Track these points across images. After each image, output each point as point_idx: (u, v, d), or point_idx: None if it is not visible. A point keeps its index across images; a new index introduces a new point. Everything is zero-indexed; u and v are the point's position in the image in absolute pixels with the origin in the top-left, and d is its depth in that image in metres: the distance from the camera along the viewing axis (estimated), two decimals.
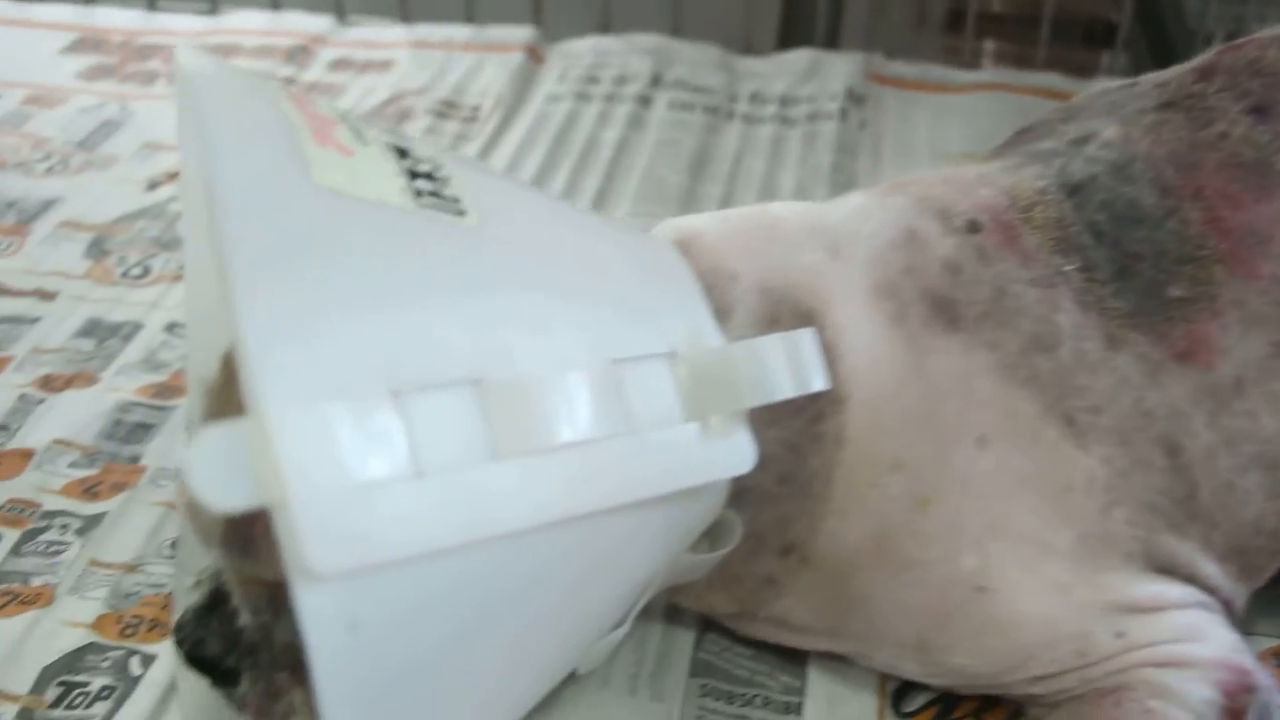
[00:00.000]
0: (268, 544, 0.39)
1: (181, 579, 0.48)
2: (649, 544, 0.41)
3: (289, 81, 0.89)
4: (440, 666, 0.35)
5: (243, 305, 0.31)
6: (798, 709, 0.48)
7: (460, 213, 0.39)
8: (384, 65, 0.92)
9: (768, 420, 0.43)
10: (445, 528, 0.33)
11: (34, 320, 0.68)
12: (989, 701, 0.48)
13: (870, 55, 0.91)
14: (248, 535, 0.40)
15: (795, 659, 0.49)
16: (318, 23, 0.98)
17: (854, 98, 0.87)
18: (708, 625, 0.51)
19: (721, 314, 0.44)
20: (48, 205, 0.77)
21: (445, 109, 0.87)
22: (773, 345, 0.40)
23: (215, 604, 0.44)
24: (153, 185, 0.79)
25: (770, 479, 0.44)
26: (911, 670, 0.47)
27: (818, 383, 0.40)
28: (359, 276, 0.35)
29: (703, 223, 0.47)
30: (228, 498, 0.30)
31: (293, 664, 0.43)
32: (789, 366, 0.40)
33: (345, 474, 0.31)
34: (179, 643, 0.44)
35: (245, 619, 0.43)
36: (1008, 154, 0.52)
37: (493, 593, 0.36)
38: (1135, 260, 0.46)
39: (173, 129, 0.84)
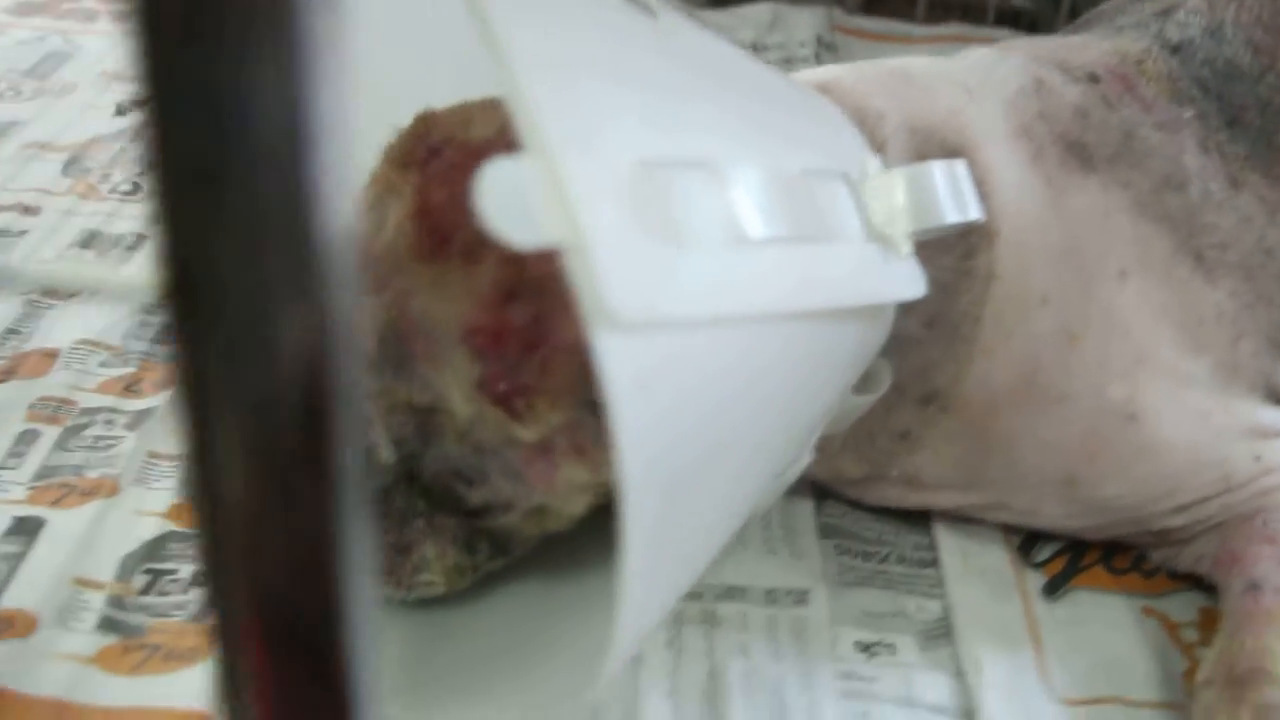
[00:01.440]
0: (429, 361, 0.36)
1: None
2: (842, 360, 0.39)
3: None
4: (707, 444, 0.32)
5: (516, 55, 0.28)
6: (933, 563, 0.47)
7: (653, 14, 0.37)
8: None
9: (920, 259, 0.42)
10: (728, 298, 0.32)
11: (21, 233, 0.62)
12: (1114, 549, 0.48)
13: (831, 9, 0.92)
14: (404, 354, 0.37)
15: (919, 521, 0.48)
16: None
17: (824, 44, 0.87)
18: (823, 495, 0.49)
19: (873, 149, 0.43)
20: (7, 127, 0.71)
21: None
22: (937, 171, 0.39)
23: None
24: (122, 110, 0.73)
25: (917, 323, 0.44)
26: (1052, 513, 0.46)
27: (975, 211, 0.40)
28: (607, 47, 0.33)
29: (836, 71, 0.47)
30: (523, 232, 0.27)
31: (433, 507, 0.40)
32: (951, 194, 0.40)
33: (640, 228, 0.29)
34: None
35: (382, 459, 0.39)
36: (1088, 32, 0.53)
37: (752, 376, 0.34)
38: (1243, 111, 0.47)
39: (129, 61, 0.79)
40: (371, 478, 0.40)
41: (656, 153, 0.32)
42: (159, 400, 0.51)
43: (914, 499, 0.48)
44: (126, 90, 0.76)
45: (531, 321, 0.35)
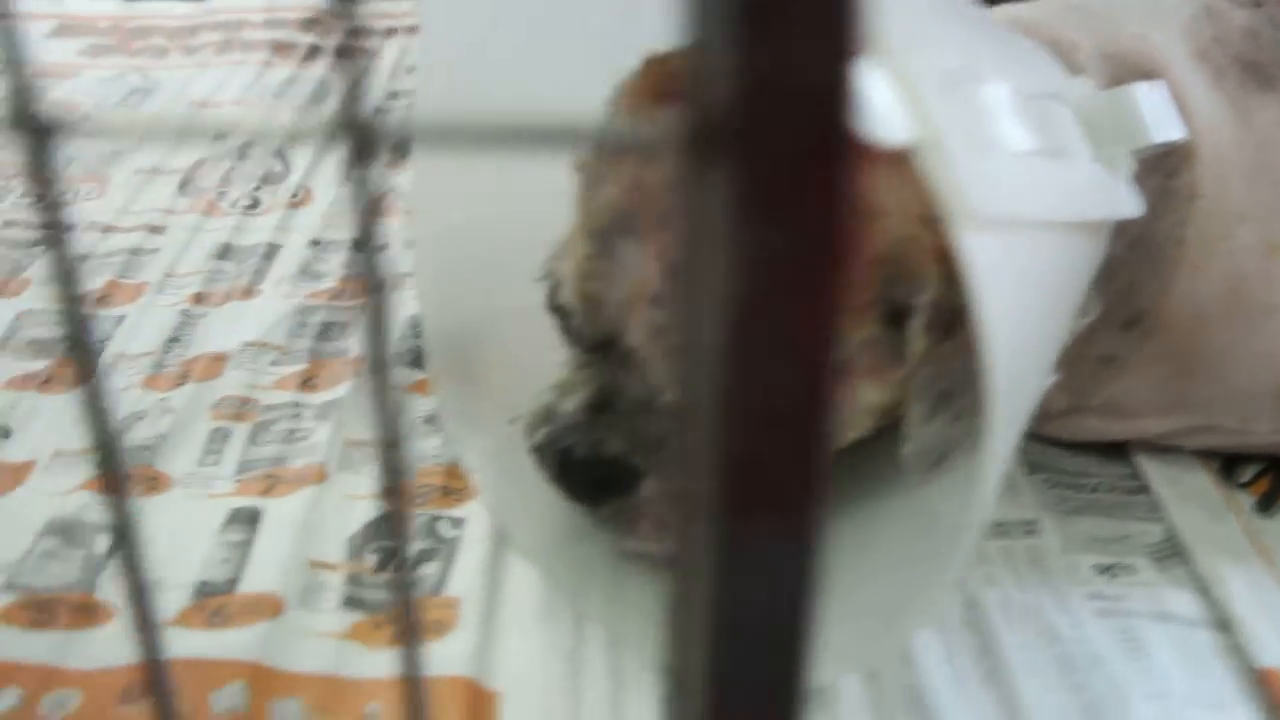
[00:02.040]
0: None
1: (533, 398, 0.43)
2: (1083, 275, 0.40)
3: (311, 49, 0.85)
4: (1025, 336, 0.33)
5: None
6: (1141, 490, 0.47)
7: None
8: (411, 31, 0.88)
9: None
10: (1023, 202, 0.32)
11: (153, 251, 0.61)
12: None
13: None
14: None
15: (1116, 454, 0.48)
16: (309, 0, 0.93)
17: None
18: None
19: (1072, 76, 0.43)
20: (112, 158, 0.70)
21: None
22: (1142, 92, 0.40)
23: (606, 400, 0.40)
24: (220, 134, 0.73)
25: (1121, 246, 0.44)
26: (1262, 429, 0.46)
27: (1178, 131, 0.41)
28: None
29: (1018, 9, 0.47)
30: (894, 131, 0.28)
31: None
32: (1155, 114, 0.40)
33: (961, 134, 0.30)
34: (563, 451, 0.40)
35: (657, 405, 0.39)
36: None
37: (1039, 275, 0.34)
38: None
39: (216, 90, 0.79)
40: (645, 425, 0.39)
41: (951, 68, 0.32)
42: (341, 392, 0.51)
43: (1116, 429, 0.48)
44: (219, 115, 0.75)
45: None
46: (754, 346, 0.20)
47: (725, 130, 0.18)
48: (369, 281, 0.19)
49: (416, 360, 0.53)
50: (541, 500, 0.44)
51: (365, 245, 0.19)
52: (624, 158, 0.39)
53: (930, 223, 0.35)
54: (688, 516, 0.22)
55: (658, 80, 0.38)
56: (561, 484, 0.41)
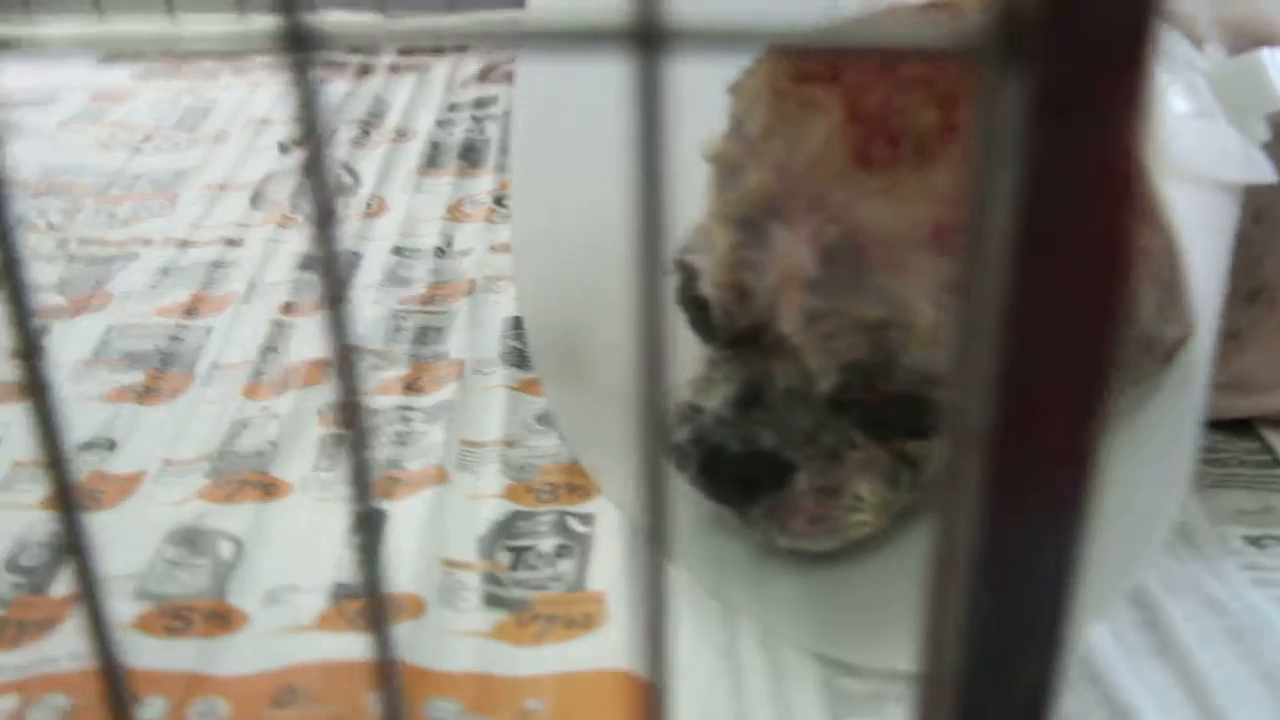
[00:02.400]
0: (889, 270, 0.35)
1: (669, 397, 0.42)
2: (1228, 241, 0.39)
3: (362, 69, 0.84)
4: (1214, 292, 0.32)
5: None
6: (1275, 464, 0.46)
7: None
8: (459, 47, 0.88)
9: None
10: (1213, 161, 0.32)
11: (234, 263, 0.60)
12: None
13: None
14: (856, 268, 0.36)
15: (1243, 429, 0.47)
16: (365, 19, 0.93)
17: None
18: None
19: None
20: (179, 175, 0.70)
21: None
22: (1268, 57, 0.39)
23: (754, 394, 0.39)
24: (285, 149, 0.72)
25: (1247, 218, 0.43)
26: None
27: None
28: None
29: None
30: None
31: (870, 437, 0.38)
32: None
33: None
34: (712, 448, 0.38)
35: (817, 390, 0.37)
36: None
37: (1221, 240, 0.33)
38: None
39: (274, 108, 0.78)
40: (795, 418, 0.38)
41: None
42: (447, 394, 0.50)
43: (1242, 405, 0.47)
44: (281, 132, 0.75)
45: None
46: (1045, 254, 0.19)
47: (1027, 30, 0.17)
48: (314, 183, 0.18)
49: (520, 360, 0.52)
50: (679, 494, 0.43)
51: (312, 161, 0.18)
52: (768, 143, 0.38)
53: None
54: (959, 444, 0.21)
55: (799, 64, 0.37)
56: (709, 484, 0.39)
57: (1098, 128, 0.18)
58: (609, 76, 0.58)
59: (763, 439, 0.38)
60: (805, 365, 0.38)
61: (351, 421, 0.20)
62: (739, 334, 0.40)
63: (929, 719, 0.23)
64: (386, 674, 0.22)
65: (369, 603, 0.22)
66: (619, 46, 0.17)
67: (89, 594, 0.22)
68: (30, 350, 0.20)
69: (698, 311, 0.42)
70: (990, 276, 0.19)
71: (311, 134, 0.19)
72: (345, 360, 0.19)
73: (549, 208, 0.52)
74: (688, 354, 0.42)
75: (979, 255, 0.19)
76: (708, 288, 0.40)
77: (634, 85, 0.18)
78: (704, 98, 0.43)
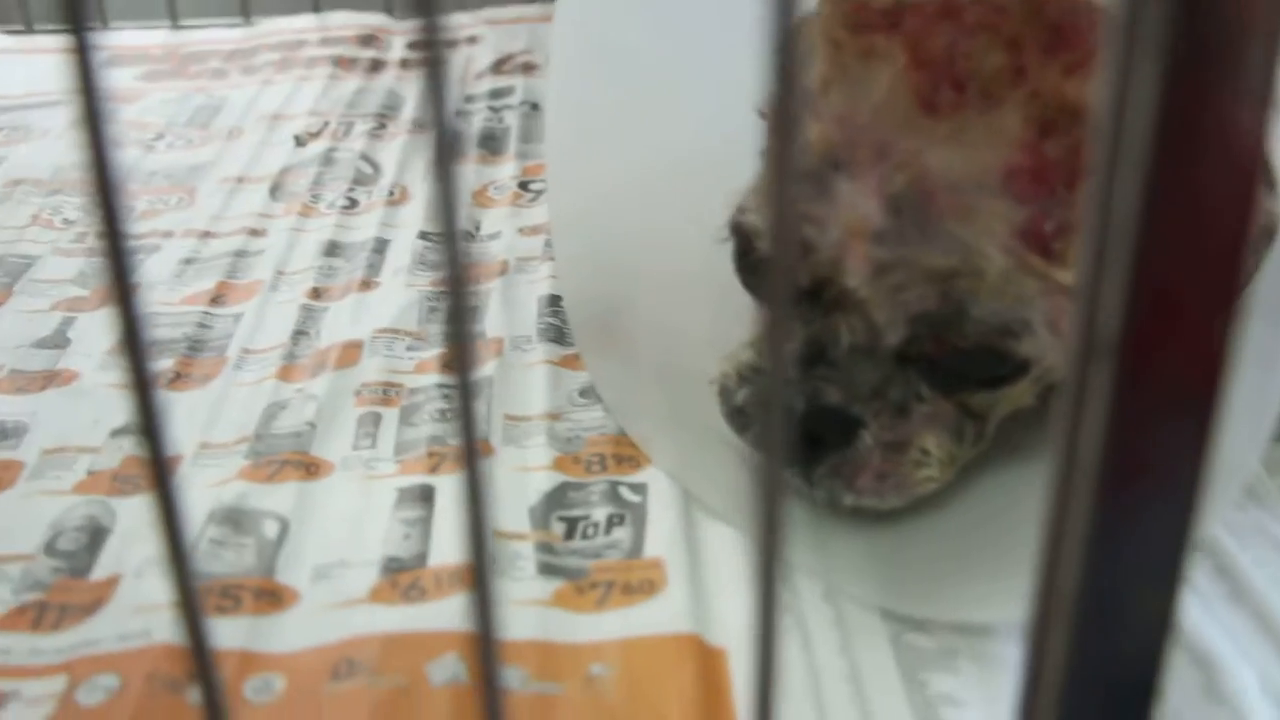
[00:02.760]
0: (958, 216, 0.34)
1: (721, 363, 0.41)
2: None
3: (374, 63, 0.83)
4: None
5: None
6: None
7: None
8: (471, 41, 0.87)
9: None
10: None
11: (259, 252, 0.59)
12: None
13: None
14: (925, 216, 0.35)
15: None
16: (366, 19, 0.92)
17: None
18: None
19: None
20: (195, 169, 0.69)
21: None
22: None
23: (816, 352, 0.38)
24: (301, 142, 0.71)
25: None
26: None
27: None
28: None
29: None
30: None
31: (936, 391, 0.37)
32: None
33: None
34: (799, 401, 0.38)
35: (885, 344, 0.37)
36: None
37: None
38: None
39: (286, 103, 0.77)
40: (863, 372, 0.37)
41: None
42: (488, 371, 0.49)
43: None
44: (294, 125, 0.74)
45: (1069, 153, 0.34)
46: (1186, 146, 0.18)
47: None
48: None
49: (559, 336, 0.51)
50: (722, 459, 0.42)
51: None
52: (826, 95, 0.37)
53: None
54: (1084, 355, 0.20)
55: (855, 13, 0.36)
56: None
57: (1235, 19, 0.17)
58: (644, 54, 0.58)
59: (828, 395, 0.37)
60: (871, 319, 0.37)
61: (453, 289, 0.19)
62: (800, 292, 0.39)
63: (1040, 651, 0.22)
64: (482, 606, 0.21)
65: (470, 517, 0.21)
66: None
67: (179, 574, 0.21)
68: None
69: (755, 273, 0.41)
70: (1126, 175, 0.18)
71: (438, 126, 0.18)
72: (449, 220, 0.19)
73: (584, 184, 0.51)
74: (743, 317, 0.42)
75: (1114, 153, 0.18)
76: (766, 246, 0.39)
77: None
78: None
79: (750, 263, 0.41)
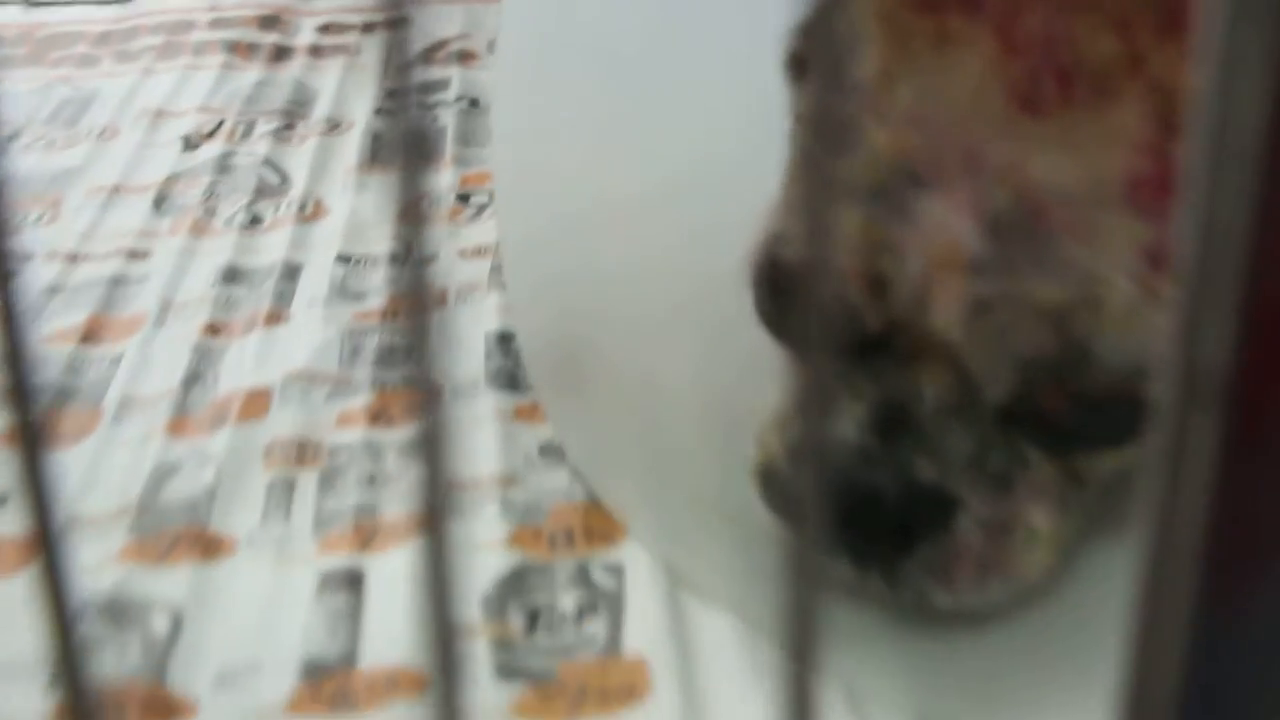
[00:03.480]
0: (1076, 236, 0.34)
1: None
2: None
3: (279, 50, 0.83)
4: None
5: None
6: None
7: None
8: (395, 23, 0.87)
9: None
10: None
11: (141, 280, 0.59)
12: None
13: None
14: (1033, 239, 0.34)
15: None
16: None
17: None
18: None
19: None
20: (60, 177, 0.68)
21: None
22: None
23: (896, 415, 0.37)
24: (192, 145, 0.71)
25: None
26: None
27: None
28: None
29: None
30: None
31: (1048, 453, 0.37)
32: None
33: None
34: (864, 491, 0.36)
35: (988, 400, 0.36)
36: None
37: None
38: None
39: (172, 97, 0.77)
40: (956, 437, 0.36)
41: None
42: (428, 425, 0.48)
43: None
44: (181, 127, 0.73)
45: None
46: None
47: None
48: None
49: (512, 383, 0.50)
50: (722, 532, 0.42)
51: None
52: (891, 92, 0.36)
53: None
54: (1183, 403, 0.20)
55: None
56: (856, 540, 0.37)
57: None
58: (621, 43, 0.58)
59: (918, 470, 0.36)
60: (965, 370, 0.36)
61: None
62: (868, 340, 0.37)
63: None
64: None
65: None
66: None
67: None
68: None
69: (794, 318, 0.40)
70: (1234, 173, 0.18)
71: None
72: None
73: (543, 200, 0.51)
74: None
75: (1220, 150, 0.18)
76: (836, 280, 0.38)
77: None
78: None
79: (788, 305, 0.40)
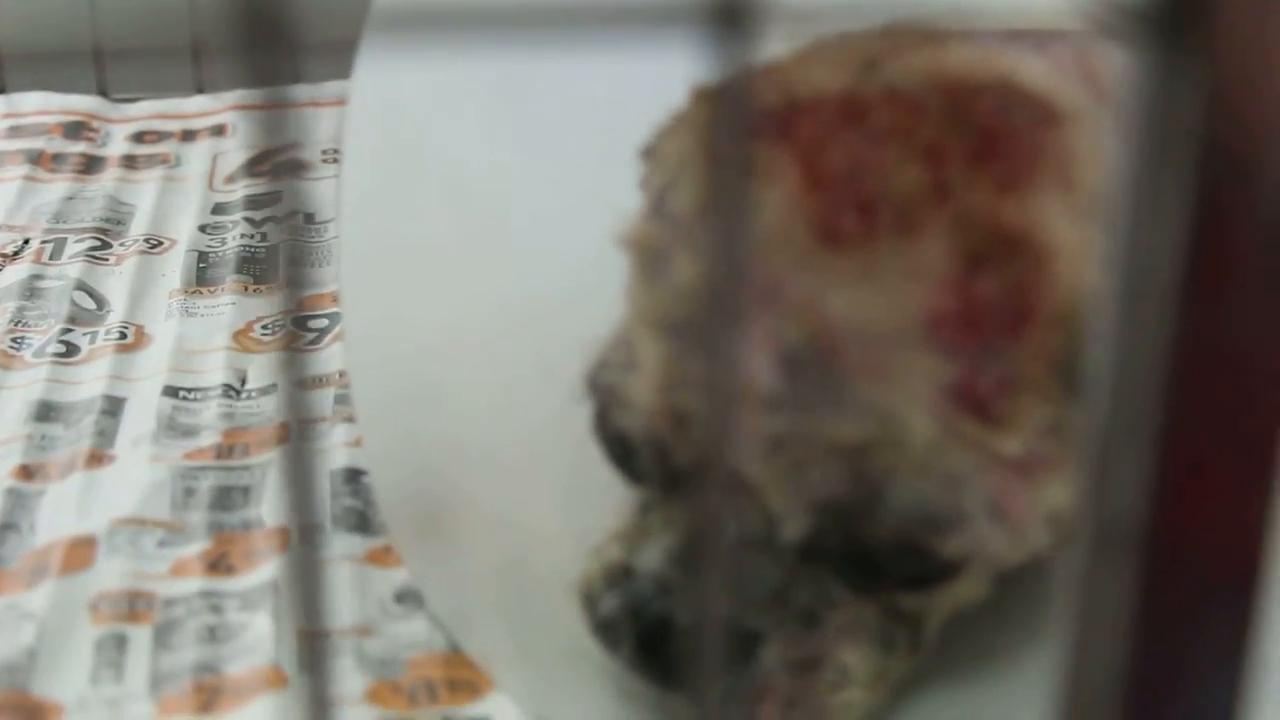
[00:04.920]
0: (871, 374, 0.36)
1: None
2: None
3: (86, 162, 0.82)
4: None
5: None
6: None
7: None
8: (216, 131, 0.87)
9: None
10: None
11: None
12: None
13: None
14: (828, 375, 0.36)
15: None
16: (72, 101, 0.91)
17: None
18: None
19: None
20: None
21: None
22: None
23: (699, 550, 0.39)
24: None
25: None
26: None
27: None
28: None
29: None
30: None
31: (856, 591, 0.39)
32: None
33: None
34: (654, 622, 0.39)
35: (786, 537, 0.38)
36: None
37: None
38: None
39: None
40: (760, 571, 0.38)
41: None
42: (270, 573, 0.48)
43: None
44: None
45: (1009, 292, 0.35)
46: (1225, 291, 0.20)
47: (1197, 7, 0.18)
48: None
49: (362, 524, 0.51)
50: (595, 682, 0.42)
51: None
52: (700, 221, 0.38)
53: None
54: (1098, 549, 0.21)
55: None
56: (652, 667, 0.39)
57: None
58: (473, 158, 0.59)
59: (716, 605, 0.38)
60: (766, 506, 0.38)
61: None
62: (678, 472, 0.40)
63: None
64: None
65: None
66: (698, 24, 0.18)
67: None
68: None
69: (621, 447, 0.42)
70: (1149, 327, 0.20)
71: None
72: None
73: (393, 325, 0.52)
74: (610, 497, 0.43)
75: (1133, 301, 0.20)
76: (634, 416, 0.40)
77: (715, 70, 0.18)
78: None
79: (613, 434, 0.42)
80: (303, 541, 0.21)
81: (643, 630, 0.39)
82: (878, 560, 0.38)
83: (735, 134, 0.39)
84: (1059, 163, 0.37)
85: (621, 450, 0.42)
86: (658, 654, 0.39)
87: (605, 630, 0.40)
